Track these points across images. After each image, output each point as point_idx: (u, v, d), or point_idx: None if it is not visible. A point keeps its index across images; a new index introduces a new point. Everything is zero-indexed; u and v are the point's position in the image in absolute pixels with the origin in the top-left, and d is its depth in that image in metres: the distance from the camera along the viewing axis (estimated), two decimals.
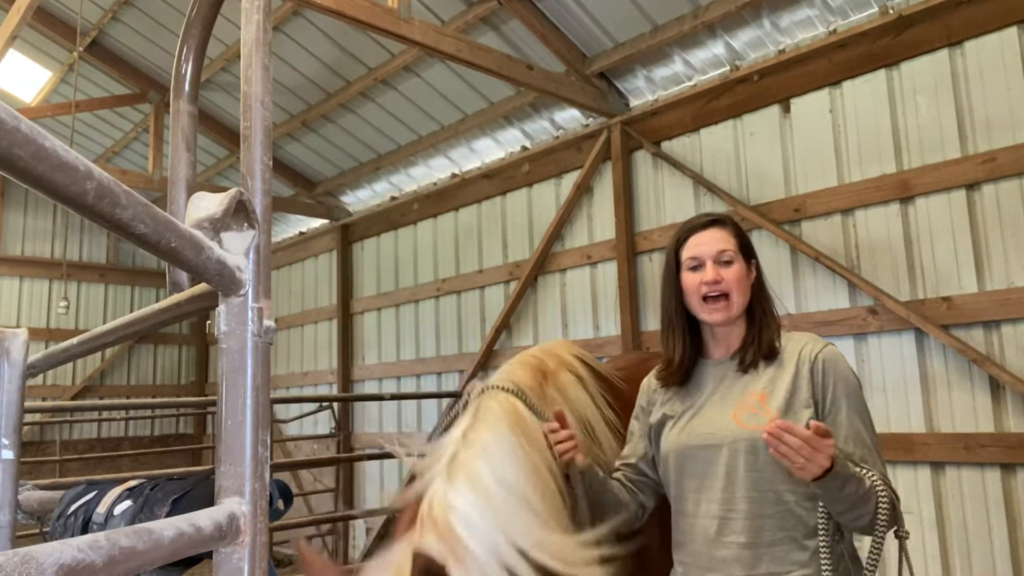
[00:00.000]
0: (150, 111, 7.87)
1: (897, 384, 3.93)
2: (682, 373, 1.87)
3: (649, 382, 2.00)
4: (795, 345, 1.78)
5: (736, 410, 1.74)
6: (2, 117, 0.49)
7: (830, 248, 4.21)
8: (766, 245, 4.53)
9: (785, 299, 4.41)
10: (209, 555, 0.88)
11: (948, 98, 3.86)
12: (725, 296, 1.77)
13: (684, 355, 1.86)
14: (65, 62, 7.67)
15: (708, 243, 1.83)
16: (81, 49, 6.96)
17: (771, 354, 1.77)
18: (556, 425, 1.82)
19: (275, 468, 4.46)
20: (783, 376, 1.74)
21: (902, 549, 1.66)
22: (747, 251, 1.86)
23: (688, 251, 1.85)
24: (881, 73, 4.12)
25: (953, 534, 3.67)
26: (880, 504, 1.56)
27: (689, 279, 1.83)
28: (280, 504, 1.72)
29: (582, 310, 5.61)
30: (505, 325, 6.07)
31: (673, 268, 1.88)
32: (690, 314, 1.86)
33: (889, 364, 3.97)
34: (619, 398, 2.23)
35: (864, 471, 1.60)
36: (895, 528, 1.63)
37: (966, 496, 3.65)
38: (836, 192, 4.22)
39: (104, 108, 7.96)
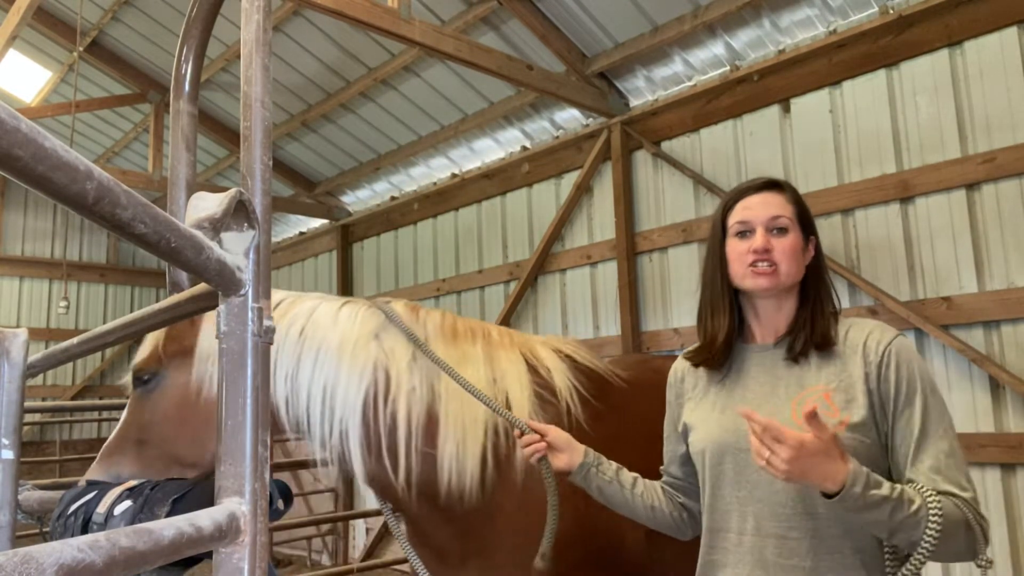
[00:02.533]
0: (150, 111, 7.87)
1: None
2: (726, 354, 1.62)
3: (677, 371, 1.75)
4: (858, 333, 1.53)
5: (795, 407, 1.48)
6: (2, 117, 0.49)
7: (830, 248, 4.21)
8: None
9: None
10: (209, 555, 0.88)
11: (948, 98, 3.86)
12: (774, 267, 1.53)
13: (730, 333, 1.61)
14: (65, 62, 7.67)
15: (760, 207, 1.57)
16: (81, 49, 6.96)
17: (825, 344, 1.51)
18: (517, 433, 1.79)
19: (275, 468, 4.46)
20: (849, 369, 1.48)
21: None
22: (806, 223, 1.60)
23: (736, 215, 1.60)
24: (881, 73, 4.12)
25: None
26: (928, 529, 1.29)
27: (735, 245, 1.58)
28: (280, 504, 1.72)
29: (582, 310, 5.61)
30: (505, 325, 6.07)
31: (719, 235, 1.63)
32: (734, 290, 1.62)
33: None
34: (607, 394, 2.20)
35: (920, 490, 1.34)
36: (975, 556, 1.36)
37: None
38: (836, 192, 4.22)
39: (104, 108, 7.97)
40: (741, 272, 1.56)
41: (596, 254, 5.50)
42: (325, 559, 7.63)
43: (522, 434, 1.78)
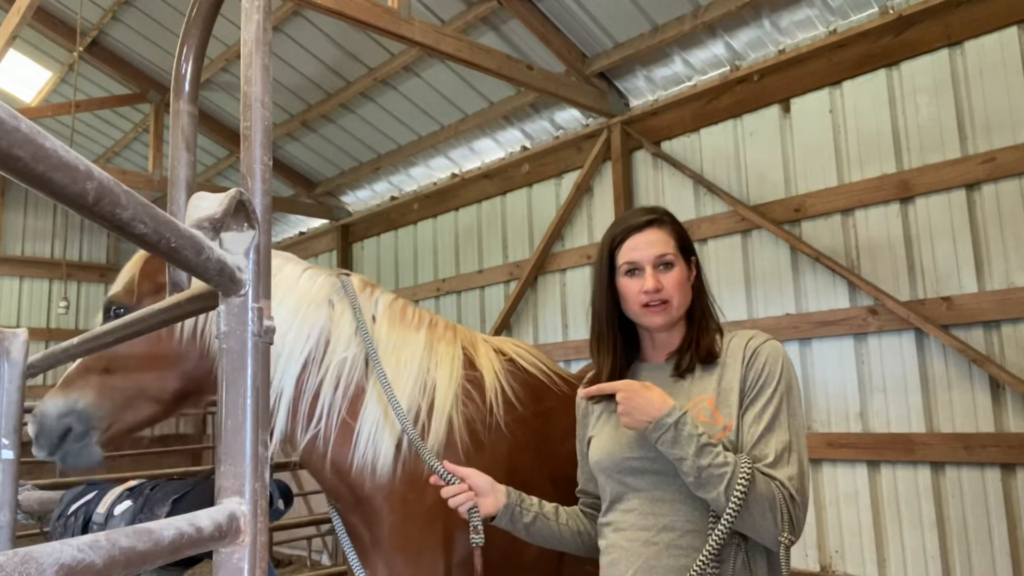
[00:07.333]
0: (150, 111, 7.87)
1: (897, 384, 3.93)
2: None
3: (580, 399, 1.86)
4: (739, 341, 1.65)
5: None
6: (2, 117, 0.49)
7: (830, 248, 4.21)
8: (766, 245, 4.53)
9: (785, 299, 4.41)
10: (209, 555, 0.88)
11: (948, 98, 3.86)
12: (666, 303, 1.65)
13: (614, 369, 1.73)
14: (65, 62, 7.67)
15: (646, 247, 1.67)
16: (81, 49, 6.96)
17: (710, 358, 1.64)
18: (439, 481, 1.71)
19: (275, 468, 4.45)
20: (728, 376, 1.60)
21: (782, 555, 1.45)
22: (687, 250, 1.72)
23: (624, 255, 1.70)
24: (881, 73, 4.11)
25: (953, 534, 3.67)
26: (736, 489, 1.40)
27: (627, 285, 1.69)
28: (280, 504, 1.72)
29: (582, 310, 5.61)
30: (505, 325, 6.07)
31: (606, 272, 1.74)
32: (623, 319, 1.75)
33: (889, 364, 3.97)
34: (538, 400, 2.21)
35: (741, 460, 1.44)
36: (782, 532, 1.43)
37: (966, 496, 3.65)
38: (836, 192, 4.22)
39: (104, 108, 7.97)
40: (637, 311, 1.69)
41: (596, 254, 5.49)
42: (325, 559, 7.63)
43: (445, 483, 1.72)
